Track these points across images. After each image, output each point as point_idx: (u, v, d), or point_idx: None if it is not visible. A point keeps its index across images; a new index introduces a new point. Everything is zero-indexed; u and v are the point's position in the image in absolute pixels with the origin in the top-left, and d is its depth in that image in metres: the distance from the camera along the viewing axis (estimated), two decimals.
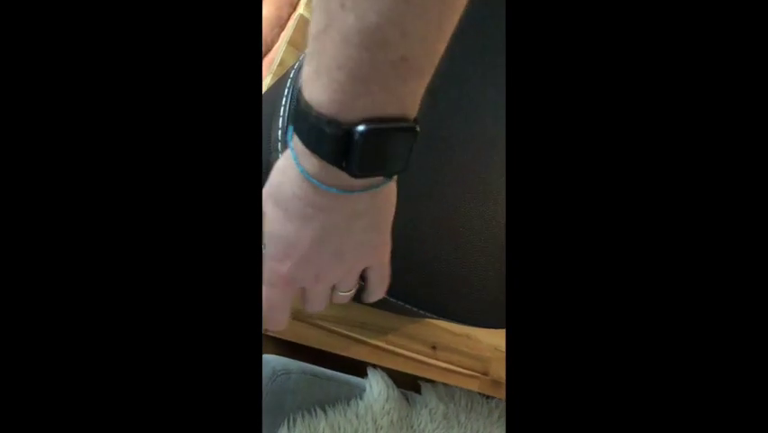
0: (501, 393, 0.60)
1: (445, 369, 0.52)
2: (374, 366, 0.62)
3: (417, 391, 0.72)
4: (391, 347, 0.49)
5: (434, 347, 0.51)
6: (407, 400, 0.68)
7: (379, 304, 0.48)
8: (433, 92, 0.24)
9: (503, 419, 0.78)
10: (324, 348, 0.46)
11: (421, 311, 0.45)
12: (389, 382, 0.65)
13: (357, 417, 0.60)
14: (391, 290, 0.43)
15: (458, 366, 0.53)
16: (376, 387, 0.63)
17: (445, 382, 0.52)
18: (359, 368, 0.63)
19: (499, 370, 0.59)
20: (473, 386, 0.56)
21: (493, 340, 0.58)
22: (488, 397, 0.75)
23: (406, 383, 0.70)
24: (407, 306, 0.44)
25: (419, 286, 0.45)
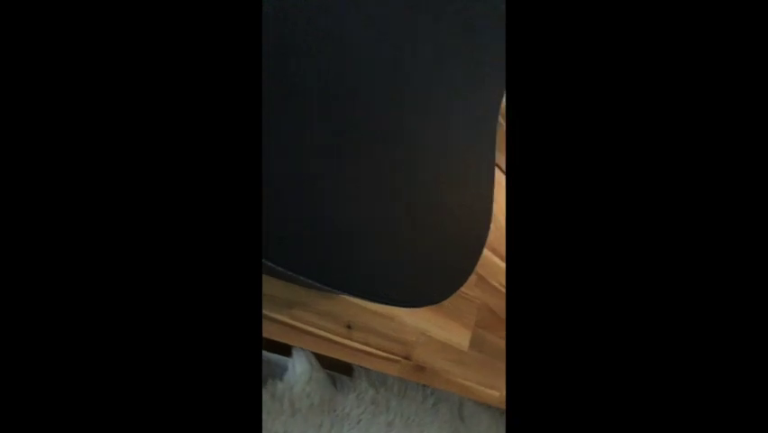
0: (423, 379, 0.57)
1: (360, 350, 0.49)
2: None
3: (349, 374, 0.69)
4: (299, 324, 0.46)
5: (348, 327, 0.48)
6: (334, 383, 0.66)
7: (285, 278, 0.44)
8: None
9: (437, 406, 0.76)
10: None
11: (327, 288, 0.42)
12: (315, 362, 0.62)
13: (273, 397, 0.56)
14: (295, 264, 0.39)
15: (375, 348, 0.50)
16: (299, 367, 0.60)
17: (360, 364, 0.49)
18: (285, 347, 0.60)
19: (424, 355, 0.56)
20: (393, 370, 0.53)
21: (420, 324, 0.55)
22: (424, 385, 0.72)
23: (340, 366, 0.67)
24: (312, 281, 0.41)
25: (325, 260, 0.42)
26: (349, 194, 0.40)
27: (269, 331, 0.46)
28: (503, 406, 0.69)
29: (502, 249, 0.68)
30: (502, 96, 0.56)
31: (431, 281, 0.47)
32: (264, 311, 0.44)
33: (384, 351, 0.51)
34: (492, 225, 0.72)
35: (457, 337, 0.60)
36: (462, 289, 0.65)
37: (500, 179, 0.68)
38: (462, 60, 0.51)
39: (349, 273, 0.43)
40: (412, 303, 0.47)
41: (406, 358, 0.54)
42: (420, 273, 0.48)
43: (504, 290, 0.66)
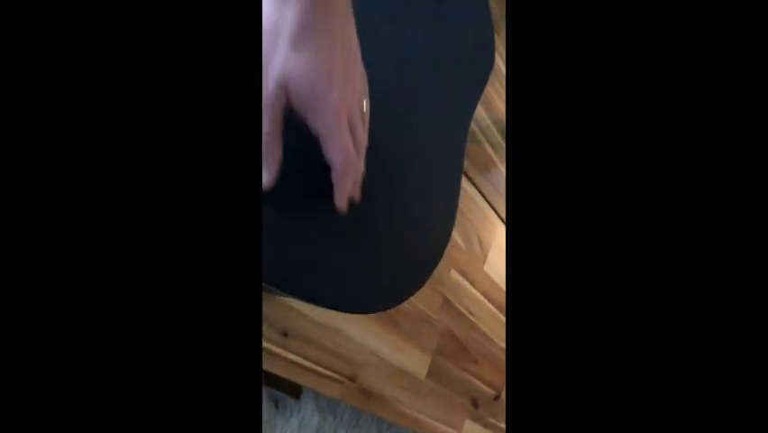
0: (368, 406, 0.51)
1: (297, 364, 0.43)
2: None
3: (296, 396, 0.63)
4: None
5: (285, 334, 0.43)
6: (276, 404, 0.59)
7: None
8: None
9: None
10: None
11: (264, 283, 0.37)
12: None
13: None
14: None
15: (315, 363, 0.45)
16: None
17: (295, 380, 0.43)
18: None
19: (371, 378, 0.50)
20: (333, 392, 0.47)
21: (371, 342, 0.49)
22: (380, 417, 0.66)
23: (286, 386, 0.61)
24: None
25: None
26: (296, 191, 0.36)
27: None
28: None
29: (473, 272, 0.63)
30: (474, 110, 0.53)
31: (375, 289, 0.43)
32: None
33: (325, 367, 0.46)
34: (464, 246, 0.68)
35: (414, 363, 0.54)
36: (426, 310, 0.60)
37: (471, 190, 0.64)
38: (438, 75, 0.49)
39: (285, 269, 0.38)
40: (349, 308, 0.43)
41: (351, 379, 0.48)
42: (365, 279, 0.43)
43: (471, 317, 0.61)
